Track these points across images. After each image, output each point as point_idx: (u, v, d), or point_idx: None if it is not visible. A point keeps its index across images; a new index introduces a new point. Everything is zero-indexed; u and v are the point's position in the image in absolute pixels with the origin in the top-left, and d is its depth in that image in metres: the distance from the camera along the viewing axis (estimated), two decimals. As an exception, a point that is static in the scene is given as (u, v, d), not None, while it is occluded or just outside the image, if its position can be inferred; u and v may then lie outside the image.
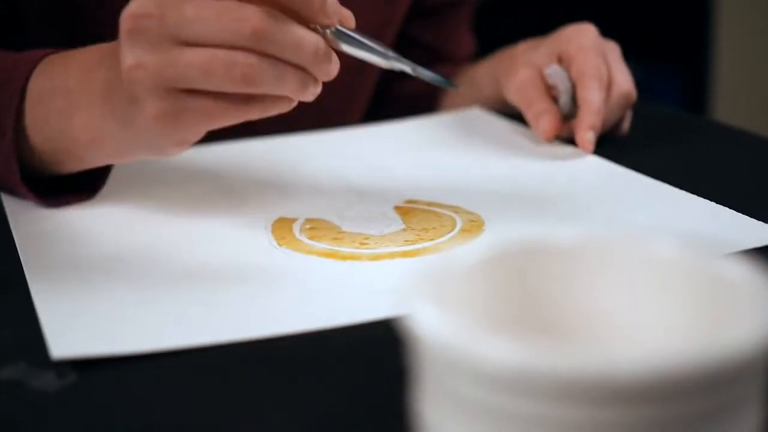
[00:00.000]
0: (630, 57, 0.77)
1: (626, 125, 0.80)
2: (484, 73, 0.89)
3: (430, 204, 0.64)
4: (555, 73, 0.75)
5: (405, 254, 0.56)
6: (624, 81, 0.76)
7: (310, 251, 0.57)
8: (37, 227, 0.61)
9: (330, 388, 0.43)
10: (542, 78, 0.77)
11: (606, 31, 0.78)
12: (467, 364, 0.30)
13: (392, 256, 0.56)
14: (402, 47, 0.96)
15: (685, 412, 0.29)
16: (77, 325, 0.48)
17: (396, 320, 0.47)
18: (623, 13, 1.99)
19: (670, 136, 0.80)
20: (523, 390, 0.29)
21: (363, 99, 0.94)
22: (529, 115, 0.76)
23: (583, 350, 0.29)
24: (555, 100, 0.76)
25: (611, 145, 0.75)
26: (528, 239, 0.36)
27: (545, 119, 0.75)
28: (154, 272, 0.54)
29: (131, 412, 0.42)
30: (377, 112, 0.95)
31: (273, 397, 0.43)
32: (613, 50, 0.77)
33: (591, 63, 0.74)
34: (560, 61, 0.77)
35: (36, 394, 0.43)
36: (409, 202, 0.65)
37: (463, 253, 0.35)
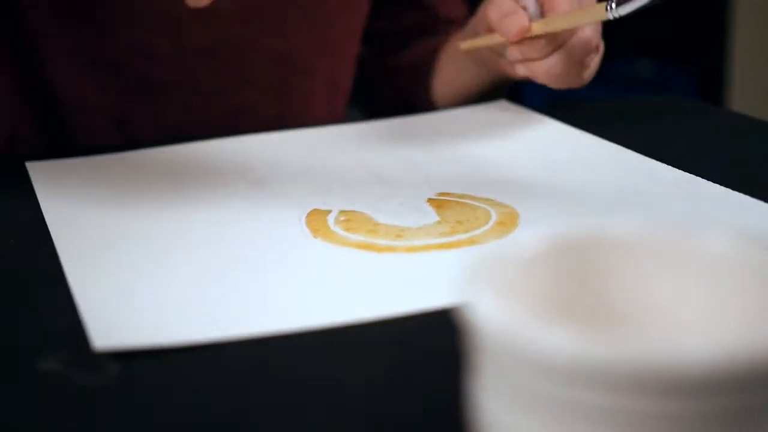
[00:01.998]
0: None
1: (587, 76, 0.77)
2: (465, 32, 0.88)
3: (462, 196, 0.64)
4: (528, 3, 0.73)
5: (441, 246, 0.56)
6: (589, 27, 0.74)
7: (346, 243, 0.57)
8: (72, 218, 0.61)
9: (372, 379, 0.43)
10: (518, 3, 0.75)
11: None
12: (530, 354, 0.29)
13: (428, 248, 0.56)
14: (401, 8, 0.96)
15: (745, 405, 0.29)
16: (119, 316, 0.48)
17: (439, 311, 0.47)
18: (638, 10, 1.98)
19: (690, 126, 0.80)
20: (586, 381, 0.29)
21: (356, 35, 0.94)
22: (494, 18, 0.74)
23: (646, 342, 0.29)
24: None
25: (636, 137, 0.75)
26: (582, 231, 0.36)
27: (511, 18, 0.72)
28: (193, 264, 0.54)
29: (173, 404, 0.42)
30: (375, 82, 0.95)
31: (317, 389, 0.42)
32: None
33: (565, 0, 0.72)
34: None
35: (77, 385, 0.43)
36: (442, 194, 0.65)
37: (518, 244, 0.35)
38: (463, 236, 0.57)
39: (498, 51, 0.80)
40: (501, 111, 0.84)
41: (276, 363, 0.45)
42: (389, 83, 0.99)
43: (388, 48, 0.98)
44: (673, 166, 0.68)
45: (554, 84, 0.76)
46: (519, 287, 0.34)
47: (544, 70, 0.73)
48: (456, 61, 0.91)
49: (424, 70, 0.96)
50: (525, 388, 0.30)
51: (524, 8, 0.74)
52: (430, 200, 0.64)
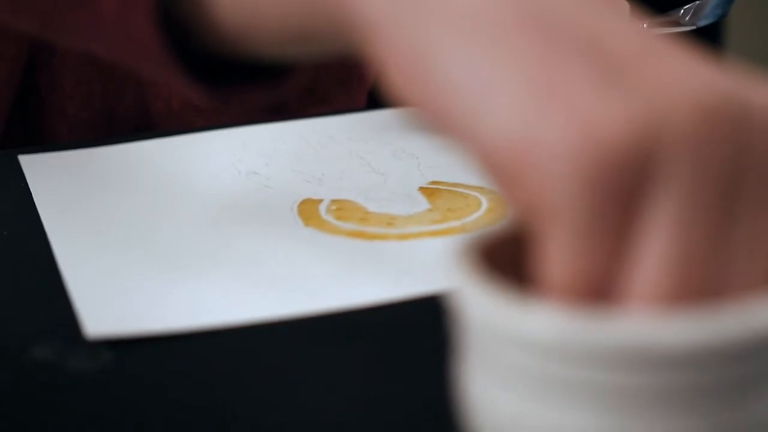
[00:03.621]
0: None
1: None
2: None
3: (454, 185, 0.64)
4: None
5: (433, 233, 0.56)
6: None
7: (337, 231, 0.57)
8: (64, 208, 0.61)
9: (366, 365, 0.43)
10: None
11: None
12: (515, 332, 0.30)
13: (420, 235, 0.56)
14: None
15: (730, 378, 0.29)
16: (111, 304, 0.48)
17: (428, 296, 0.47)
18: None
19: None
20: (573, 357, 0.29)
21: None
22: None
23: (629, 317, 0.29)
24: None
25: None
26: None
27: None
28: (185, 252, 0.54)
29: (167, 391, 0.42)
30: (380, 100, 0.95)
31: (310, 374, 0.43)
32: (621, 4, 0.76)
33: None
34: None
35: (71, 373, 0.43)
36: (434, 183, 0.65)
37: (501, 225, 0.35)
38: (455, 223, 0.58)
39: None
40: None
41: (269, 350, 0.45)
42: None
43: None
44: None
45: None
46: (503, 267, 0.34)
47: None
48: None
49: None
50: (510, 365, 0.30)
51: None
52: (421, 189, 0.64)
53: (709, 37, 2.11)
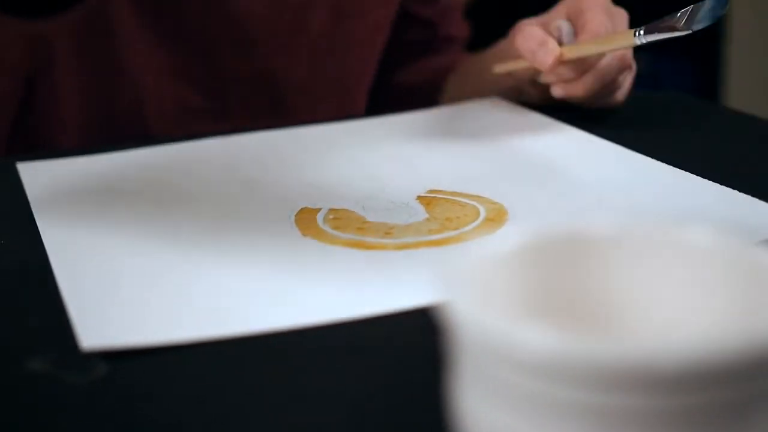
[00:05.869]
0: (640, 49, 0.78)
1: (621, 95, 0.80)
2: (489, 56, 0.89)
3: (452, 194, 0.64)
4: (562, 26, 0.76)
5: (430, 243, 0.56)
6: None
7: (335, 241, 0.57)
8: (62, 218, 0.61)
9: (361, 377, 0.43)
10: (547, 30, 0.77)
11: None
12: (507, 350, 0.29)
13: (417, 245, 0.56)
14: (403, 24, 0.97)
15: (723, 400, 0.29)
16: (107, 315, 0.48)
17: (426, 309, 0.47)
18: (632, 3, 1.98)
19: (685, 123, 0.80)
20: (563, 377, 0.29)
21: (374, 65, 0.95)
22: (526, 50, 0.75)
23: (623, 338, 0.29)
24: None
25: (629, 132, 0.75)
26: (564, 228, 0.36)
27: (544, 49, 0.74)
28: (182, 263, 0.54)
29: (162, 402, 0.42)
30: (380, 102, 0.96)
31: (305, 386, 0.43)
32: (621, 15, 0.78)
33: (598, 19, 0.75)
34: (568, 18, 0.77)
35: (65, 384, 0.43)
36: (432, 192, 0.65)
37: (499, 241, 0.35)
38: (452, 233, 0.58)
39: (527, 76, 0.82)
40: (492, 108, 0.84)
41: (265, 362, 0.45)
42: (394, 101, 0.98)
43: (388, 63, 0.98)
44: (667, 162, 0.68)
45: (590, 103, 0.78)
46: (499, 284, 0.34)
47: (582, 88, 0.76)
48: (469, 86, 0.92)
49: (431, 90, 0.96)
50: (501, 383, 0.30)
51: (558, 29, 0.76)
52: (419, 197, 0.64)
53: (710, 37, 2.11)
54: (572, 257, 0.36)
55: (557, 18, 0.77)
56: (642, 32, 0.70)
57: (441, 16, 0.99)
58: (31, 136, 0.86)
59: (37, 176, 0.69)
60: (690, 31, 0.67)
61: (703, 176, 0.65)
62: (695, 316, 0.35)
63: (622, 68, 0.77)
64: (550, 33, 0.76)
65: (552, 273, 0.35)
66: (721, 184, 0.63)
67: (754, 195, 0.61)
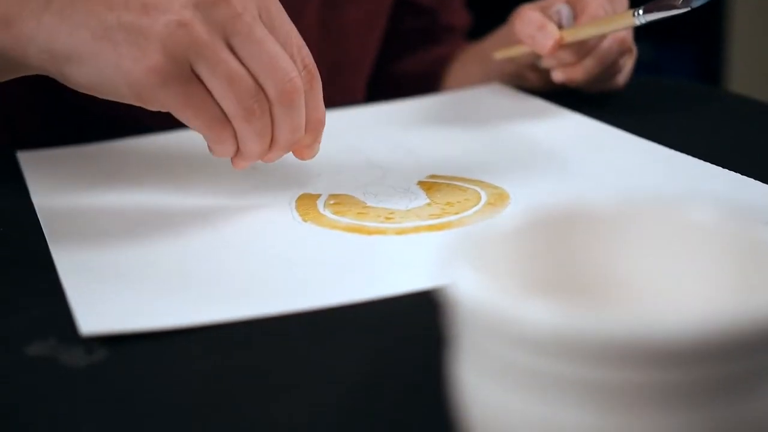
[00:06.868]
0: (641, 36, 0.77)
1: (621, 79, 0.80)
2: (489, 42, 0.89)
3: (453, 179, 0.64)
4: (562, 10, 0.76)
5: (431, 228, 0.56)
6: None
7: (335, 226, 0.57)
8: (61, 205, 0.61)
9: (365, 358, 0.43)
10: (547, 14, 0.76)
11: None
12: (508, 327, 0.29)
13: (418, 230, 0.56)
14: (401, 13, 0.96)
15: (724, 375, 0.29)
16: (105, 301, 0.48)
17: (426, 291, 0.47)
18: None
19: (687, 108, 0.80)
20: (564, 353, 0.29)
21: (372, 53, 0.94)
22: (525, 34, 0.75)
23: (623, 313, 0.29)
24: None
25: (630, 117, 0.75)
26: (564, 206, 0.36)
27: (543, 33, 0.74)
28: (182, 248, 0.54)
29: (162, 388, 0.42)
30: (379, 91, 0.95)
31: (307, 369, 0.42)
32: (621, 1, 0.77)
33: (597, 2, 0.74)
34: (568, 2, 0.77)
35: (65, 369, 0.43)
36: (433, 177, 0.64)
37: (499, 220, 0.35)
38: (453, 218, 0.57)
39: (528, 62, 0.81)
40: (493, 94, 0.84)
41: (266, 345, 0.45)
42: (393, 91, 0.98)
43: (387, 52, 0.97)
44: (669, 146, 0.67)
45: (591, 87, 0.78)
46: (500, 262, 0.34)
47: (582, 72, 0.75)
48: (470, 73, 0.91)
49: (431, 79, 0.96)
50: (502, 360, 0.30)
51: (558, 13, 0.76)
52: (420, 182, 0.63)
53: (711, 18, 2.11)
54: (572, 234, 0.35)
55: (557, 2, 0.77)
56: (641, 12, 0.70)
57: (441, 4, 0.99)
58: (63, 125, 0.85)
59: (36, 164, 0.69)
60: (689, 8, 0.66)
61: (706, 160, 0.64)
62: (695, 292, 0.35)
63: (623, 51, 0.76)
64: (549, 17, 0.75)
65: (552, 249, 0.35)
66: (724, 167, 0.63)
67: (756, 178, 0.60)
